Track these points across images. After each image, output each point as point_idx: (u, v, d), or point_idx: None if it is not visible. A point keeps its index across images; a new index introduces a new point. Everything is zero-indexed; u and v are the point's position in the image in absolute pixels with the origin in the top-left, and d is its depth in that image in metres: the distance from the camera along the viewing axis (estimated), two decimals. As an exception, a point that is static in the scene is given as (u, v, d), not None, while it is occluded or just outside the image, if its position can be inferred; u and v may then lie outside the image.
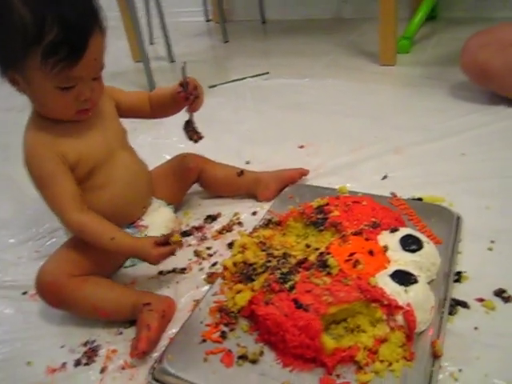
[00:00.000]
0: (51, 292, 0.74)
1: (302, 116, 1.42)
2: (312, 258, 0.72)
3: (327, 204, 0.82)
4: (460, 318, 0.67)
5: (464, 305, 0.69)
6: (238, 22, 2.82)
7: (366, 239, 0.73)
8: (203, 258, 0.86)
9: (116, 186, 0.85)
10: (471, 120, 1.21)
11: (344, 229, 0.76)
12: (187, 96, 0.86)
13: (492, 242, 0.80)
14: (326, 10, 2.58)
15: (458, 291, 0.71)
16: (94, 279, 0.77)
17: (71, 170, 0.79)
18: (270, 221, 0.87)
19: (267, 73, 1.82)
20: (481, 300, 0.69)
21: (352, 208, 0.80)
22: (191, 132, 0.90)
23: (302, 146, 1.23)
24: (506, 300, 0.69)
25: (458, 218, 0.85)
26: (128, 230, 0.87)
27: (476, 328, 0.65)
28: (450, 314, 0.67)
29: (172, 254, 0.78)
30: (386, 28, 1.65)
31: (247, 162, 1.16)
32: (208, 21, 3.00)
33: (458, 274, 0.74)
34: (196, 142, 0.91)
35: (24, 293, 0.87)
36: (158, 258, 0.77)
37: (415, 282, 0.64)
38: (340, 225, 0.77)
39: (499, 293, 0.70)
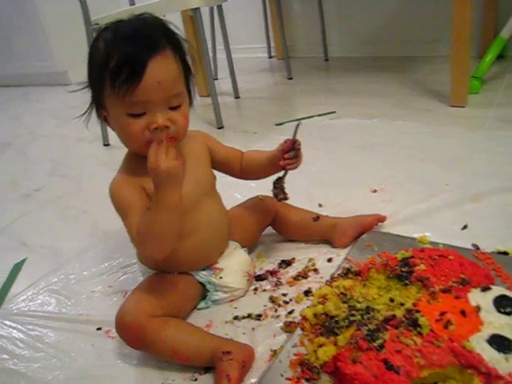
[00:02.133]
0: (132, 332, 0.74)
1: (372, 158, 1.40)
2: (399, 314, 0.68)
3: (412, 257, 0.79)
4: None
5: None
6: (300, 59, 2.86)
7: (456, 297, 0.70)
8: (279, 305, 0.85)
9: (200, 234, 0.84)
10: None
11: (431, 285, 0.72)
12: (291, 157, 0.87)
13: None
14: (389, 48, 2.58)
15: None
16: (175, 321, 0.76)
17: None
18: (348, 270, 0.85)
19: (334, 112, 1.82)
20: None
21: (439, 262, 0.77)
22: (279, 190, 0.90)
23: (375, 191, 1.20)
24: None
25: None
26: (203, 272, 0.87)
27: None
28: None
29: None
30: (458, 68, 1.62)
31: (320, 205, 1.15)
32: (271, 57, 3.07)
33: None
34: (279, 201, 0.90)
35: (98, 328, 0.88)
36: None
37: (516, 349, 0.60)
38: (427, 280, 0.73)
39: None
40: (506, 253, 0.89)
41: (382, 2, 2.52)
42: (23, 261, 1.16)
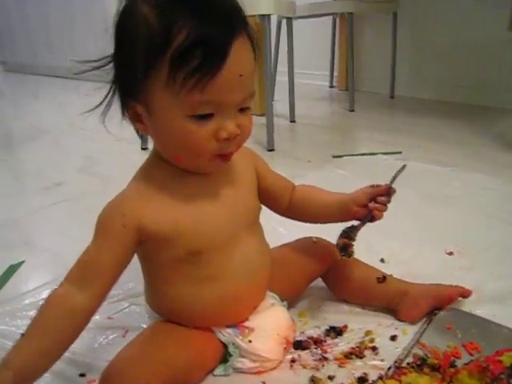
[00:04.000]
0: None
1: (448, 212, 1.17)
2: None
3: (523, 363, 0.56)
4: None
5: None
6: (364, 93, 2.69)
7: None
8: (322, 389, 0.63)
9: (230, 281, 0.63)
10: None
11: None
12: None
13: None
14: (458, 94, 2.38)
15: None
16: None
17: (163, 243, 0.59)
18: (424, 361, 0.62)
19: (400, 152, 1.61)
20: None
21: None
22: (348, 243, 0.70)
23: (451, 253, 0.97)
24: None
25: None
26: (228, 330, 0.65)
27: None
28: None
29: None
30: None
31: (381, 261, 0.92)
32: (332, 87, 2.91)
33: None
34: (343, 256, 0.70)
35: (82, 375, 0.67)
36: None
37: None
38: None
39: None
40: None
41: (461, 43, 2.32)
42: (20, 263, 0.99)
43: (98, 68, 0.59)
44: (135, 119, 0.58)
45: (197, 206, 0.60)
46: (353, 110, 2.25)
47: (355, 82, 2.65)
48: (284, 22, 2.07)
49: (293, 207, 0.75)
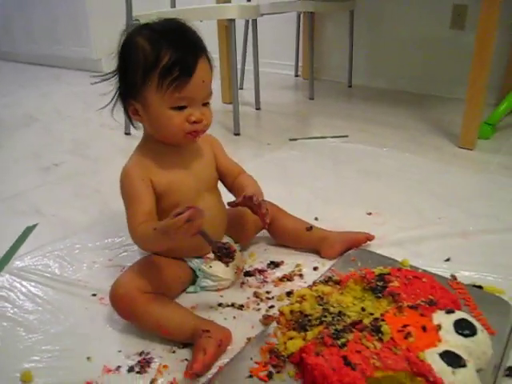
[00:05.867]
0: (123, 304, 0.82)
1: (375, 184, 1.47)
2: (366, 321, 0.75)
3: (389, 273, 0.86)
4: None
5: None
6: (325, 82, 2.95)
7: (421, 315, 0.76)
8: (261, 300, 0.91)
9: None
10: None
11: (401, 300, 0.79)
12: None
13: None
14: (411, 84, 2.66)
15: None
16: (162, 299, 0.84)
17: (157, 197, 0.88)
18: (330, 278, 0.91)
19: (347, 136, 1.89)
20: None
21: (412, 282, 0.83)
22: (223, 255, 0.83)
23: (370, 213, 1.27)
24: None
25: (517, 314, 0.85)
26: (196, 260, 0.94)
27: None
28: (494, 406, 0.68)
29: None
30: (470, 111, 1.69)
31: (316, 218, 1.21)
32: (297, 76, 3.15)
33: (510, 368, 0.75)
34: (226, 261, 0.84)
35: (94, 294, 0.96)
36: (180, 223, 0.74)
37: (464, 365, 0.66)
38: (398, 296, 0.80)
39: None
40: (480, 287, 0.95)
41: (411, 39, 2.60)
42: (35, 225, 1.25)
43: (108, 78, 0.89)
44: (134, 113, 0.88)
45: (175, 172, 0.90)
46: (312, 98, 2.52)
47: (317, 71, 2.93)
48: (250, 21, 2.33)
49: (232, 189, 1.00)
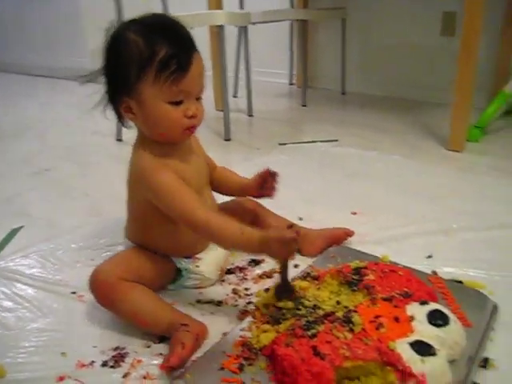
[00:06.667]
0: (102, 290, 0.82)
1: (361, 185, 1.47)
2: (339, 313, 0.75)
3: (365, 267, 0.86)
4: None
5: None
6: (319, 89, 2.96)
7: (395, 306, 0.76)
8: (240, 296, 0.92)
9: None
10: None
11: (375, 292, 0.79)
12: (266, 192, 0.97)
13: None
14: (403, 90, 2.68)
15: (484, 377, 0.72)
16: (142, 288, 0.84)
17: None
18: (308, 274, 0.91)
19: (336, 140, 1.90)
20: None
21: (388, 275, 0.83)
22: (288, 292, 0.83)
23: (355, 213, 1.27)
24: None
25: (495, 307, 0.85)
26: (185, 260, 0.94)
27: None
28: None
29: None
30: (458, 114, 1.70)
31: (300, 219, 1.21)
32: (291, 84, 3.17)
33: (485, 360, 0.75)
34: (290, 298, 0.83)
35: (73, 292, 0.96)
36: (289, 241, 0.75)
37: (433, 354, 0.66)
38: (372, 288, 0.80)
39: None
40: (460, 282, 0.95)
41: (402, 46, 2.62)
42: (21, 227, 1.25)
43: (96, 77, 0.87)
44: (127, 111, 0.84)
45: (182, 169, 0.88)
46: (305, 105, 2.54)
47: (311, 79, 2.94)
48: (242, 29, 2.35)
49: (213, 183, 1.01)
